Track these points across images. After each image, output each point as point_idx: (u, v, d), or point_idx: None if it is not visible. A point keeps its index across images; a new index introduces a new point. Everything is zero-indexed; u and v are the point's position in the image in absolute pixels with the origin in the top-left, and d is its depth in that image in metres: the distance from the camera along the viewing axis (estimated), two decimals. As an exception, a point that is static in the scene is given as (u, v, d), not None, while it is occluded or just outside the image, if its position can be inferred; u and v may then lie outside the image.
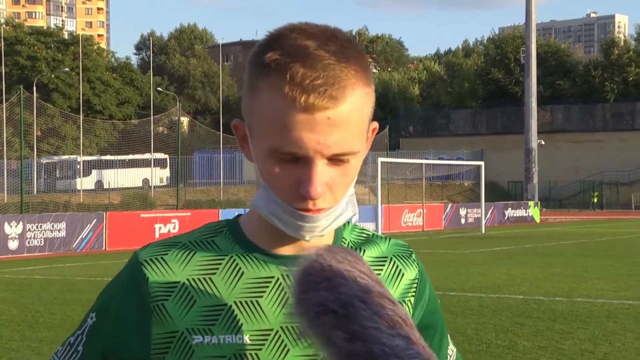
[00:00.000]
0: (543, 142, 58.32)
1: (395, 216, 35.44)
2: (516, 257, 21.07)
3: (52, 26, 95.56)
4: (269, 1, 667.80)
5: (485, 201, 37.02)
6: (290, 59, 1.27)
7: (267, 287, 1.39)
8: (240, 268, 1.40)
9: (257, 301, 1.39)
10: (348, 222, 1.52)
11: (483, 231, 34.51)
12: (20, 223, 23.65)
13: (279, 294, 1.39)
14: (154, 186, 50.69)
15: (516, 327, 10.34)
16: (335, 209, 1.34)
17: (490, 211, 40.95)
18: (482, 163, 37.35)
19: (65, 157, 52.10)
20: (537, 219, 44.78)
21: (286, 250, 1.41)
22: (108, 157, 52.86)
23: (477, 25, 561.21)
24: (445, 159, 60.63)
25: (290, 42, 1.29)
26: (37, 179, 47.51)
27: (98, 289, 14.61)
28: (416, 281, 1.51)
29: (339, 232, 1.49)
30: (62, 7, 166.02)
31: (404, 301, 1.47)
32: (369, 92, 1.33)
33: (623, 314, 11.26)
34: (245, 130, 1.38)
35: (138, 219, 26.99)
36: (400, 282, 1.49)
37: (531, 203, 46.11)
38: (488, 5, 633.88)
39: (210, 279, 1.40)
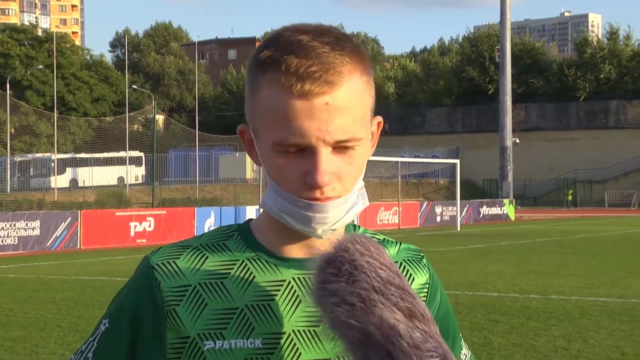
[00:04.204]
0: (518, 140, 58.65)
1: (371, 214, 35.49)
2: (491, 255, 21.17)
3: (26, 23, 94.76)
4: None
5: (460, 199, 37.19)
6: (284, 52, 1.29)
7: (279, 290, 1.38)
8: (251, 272, 1.39)
9: (268, 304, 1.37)
10: (359, 226, 1.51)
11: (458, 229, 34.65)
12: (-6, 221, 23.45)
13: (291, 297, 1.38)
14: (129, 184, 50.42)
15: (491, 324, 10.39)
16: (346, 201, 1.33)
17: (465, 209, 41.13)
18: (457, 161, 37.51)
19: (40, 155, 51.65)
20: (512, 217, 45.03)
21: (297, 253, 1.40)
22: (83, 155, 52.53)
23: (452, 23, 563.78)
24: (421, 157, 60.81)
25: (284, 39, 1.31)
26: (10, 177, 47.11)
27: (73, 287, 14.54)
28: (427, 286, 1.51)
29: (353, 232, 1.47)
30: (35, 3, 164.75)
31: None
32: (367, 81, 1.34)
33: (596, 311, 11.35)
34: (250, 134, 1.38)
35: (113, 217, 26.83)
36: (411, 286, 1.49)
37: (506, 201, 46.37)
38: (464, 4, 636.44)
39: (222, 282, 1.38)
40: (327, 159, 1.29)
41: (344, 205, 1.33)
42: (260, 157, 1.36)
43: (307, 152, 1.29)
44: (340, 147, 1.30)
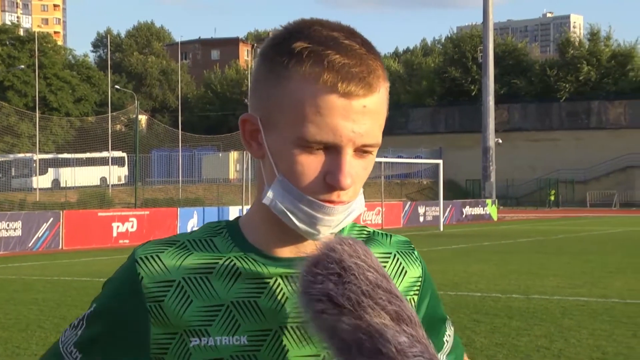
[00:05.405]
0: (500, 141, 58.84)
1: (354, 214, 35.44)
2: (474, 255, 21.24)
3: (8, 23, 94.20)
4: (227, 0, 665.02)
5: (443, 199, 37.25)
6: (323, 47, 1.26)
7: (265, 287, 1.36)
8: (237, 269, 1.37)
9: (255, 301, 1.35)
10: None
11: (441, 229, 34.72)
12: (-25, 222, 23.30)
13: (278, 294, 1.35)
14: (112, 185, 50.20)
15: (473, 324, 10.42)
16: (351, 204, 1.32)
17: (448, 209, 41.22)
18: (440, 161, 37.58)
19: (21, 155, 51.35)
20: (495, 217, 45.17)
21: (285, 253, 1.38)
22: (65, 155, 52.25)
23: (435, 24, 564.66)
24: (404, 157, 60.88)
25: (316, 33, 1.28)
26: (-9, 178, 46.79)
27: (55, 288, 14.46)
28: (420, 279, 1.50)
29: (339, 231, 1.44)
30: (17, 3, 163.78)
31: (406, 299, 1.47)
32: (387, 88, 1.35)
33: (578, 311, 11.42)
34: (257, 124, 1.34)
35: (95, 217, 26.73)
36: (403, 279, 1.47)
37: (489, 201, 46.50)
38: (446, 5, 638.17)
39: (207, 278, 1.36)
40: (349, 161, 1.28)
41: (348, 209, 1.32)
42: (270, 150, 1.32)
43: (331, 151, 1.27)
44: (361, 150, 1.29)
